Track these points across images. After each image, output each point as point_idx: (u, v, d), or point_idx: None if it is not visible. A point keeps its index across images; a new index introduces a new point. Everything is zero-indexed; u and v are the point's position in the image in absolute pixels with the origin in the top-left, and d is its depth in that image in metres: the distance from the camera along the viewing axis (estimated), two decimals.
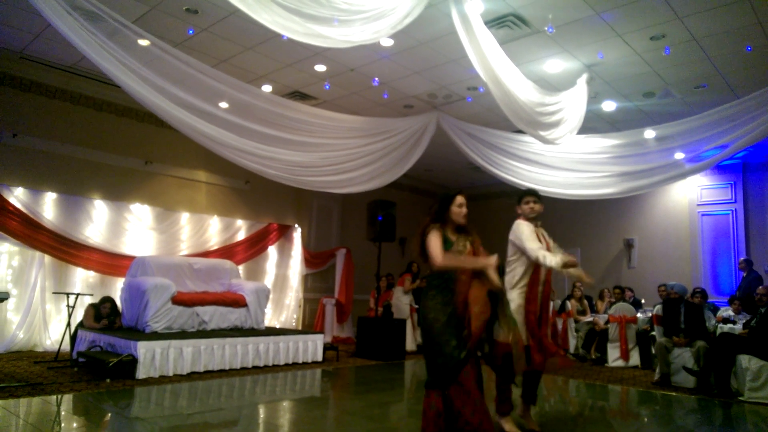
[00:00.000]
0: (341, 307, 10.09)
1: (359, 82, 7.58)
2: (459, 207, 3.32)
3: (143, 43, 4.94)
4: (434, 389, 3.07)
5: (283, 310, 10.03)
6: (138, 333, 6.37)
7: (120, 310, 7.06)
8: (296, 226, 10.44)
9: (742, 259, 9.01)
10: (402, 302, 9.12)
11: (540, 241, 3.94)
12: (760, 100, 5.91)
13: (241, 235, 9.57)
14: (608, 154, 7.22)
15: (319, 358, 7.36)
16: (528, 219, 4.06)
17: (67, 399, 4.68)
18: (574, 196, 7.51)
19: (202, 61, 5.61)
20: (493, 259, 3.12)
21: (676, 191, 10.57)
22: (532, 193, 4.19)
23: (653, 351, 7.32)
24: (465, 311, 3.11)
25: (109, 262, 7.87)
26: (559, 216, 11.79)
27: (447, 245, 3.21)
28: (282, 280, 10.15)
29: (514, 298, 3.89)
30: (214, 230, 9.20)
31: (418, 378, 7.08)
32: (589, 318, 8.69)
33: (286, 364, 6.94)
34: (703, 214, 10.26)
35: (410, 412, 4.98)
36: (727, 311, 7.99)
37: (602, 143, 7.26)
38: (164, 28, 6.18)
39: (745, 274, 8.75)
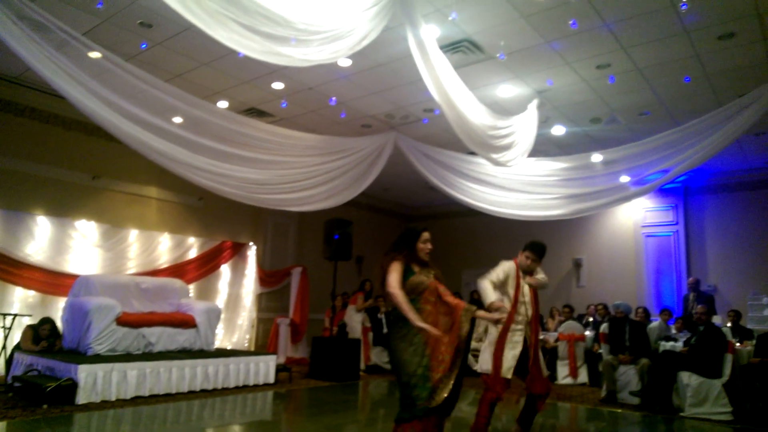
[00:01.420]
0: (296, 327, 9.93)
1: (317, 100, 7.59)
2: (424, 243, 3.38)
3: (94, 55, 4.81)
4: (406, 424, 3.06)
5: (235, 330, 9.78)
6: (79, 356, 6.08)
7: (60, 332, 6.73)
8: (251, 244, 10.26)
9: (692, 279, 9.33)
10: (354, 321, 9.08)
11: (518, 290, 4.22)
12: (699, 128, 6.24)
13: (192, 253, 9.32)
14: (557, 177, 7.44)
15: (272, 380, 7.20)
16: (522, 269, 4.32)
17: (0, 427, 4.40)
18: (526, 217, 7.69)
19: (156, 75, 5.48)
20: (430, 328, 3.10)
21: (621, 213, 10.99)
22: (534, 250, 4.35)
23: (600, 368, 7.52)
24: (432, 341, 3.14)
25: (51, 281, 7.49)
26: (513, 236, 12.00)
27: (409, 274, 3.26)
28: (235, 299, 9.92)
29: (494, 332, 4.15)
30: (165, 248, 8.92)
31: (372, 399, 7.02)
32: (540, 336, 8.85)
33: (237, 387, 6.75)
34: (647, 235, 10.70)
35: None
36: (669, 330, 8.30)
37: (552, 166, 7.49)
38: (116, 41, 6.04)
39: (695, 294, 9.05)
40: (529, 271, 4.37)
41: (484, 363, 4.20)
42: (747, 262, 9.74)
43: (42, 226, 7.54)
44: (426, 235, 3.41)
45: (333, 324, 8.63)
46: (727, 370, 5.99)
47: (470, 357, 8.31)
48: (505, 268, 4.28)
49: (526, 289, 4.30)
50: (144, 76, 5.12)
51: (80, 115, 6.60)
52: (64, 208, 7.83)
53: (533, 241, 4.45)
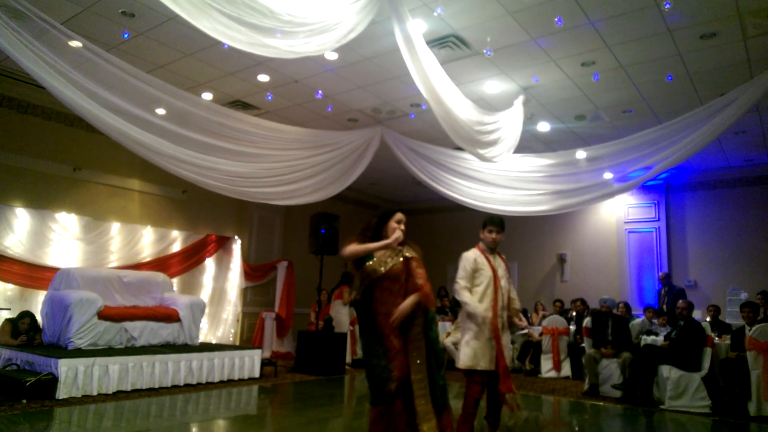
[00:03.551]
0: (281, 321, 9.90)
1: (303, 93, 7.54)
2: (398, 223, 3.37)
3: (74, 44, 4.72)
4: (376, 407, 3.10)
5: (220, 324, 9.72)
6: (60, 350, 6.00)
7: (41, 326, 6.63)
8: (236, 237, 10.18)
9: (662, 274, 9.52)
10: (341, 314, 9.05)
11: (493, 270, 3.91)
12: (681, 126, 6.33)
13: (176, 247, 9.22)
14: (543, 173, 7.49)
15: (257, 374, 7.17)
16: (487, 246, 4.01)
17: None
18: (512, 212, 7.73)
19: (138, 66, 5.41)
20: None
21: (605, 209, 11.11)
22: (494, 222, 4.05)
23: (583, 362, 7.62)
24: (385, 329, 3.13)
25: (31, 274, 7.36)
26: None
27: (367, 259, 3.26)
28: (220, 293, 9.85)
29: (471, 326, 3.86)
30: (147, 241, 8.81)
31: (357, 392, 7.03)
32: (524, 330, 8.94)
33: (221, 382, 6.71)
34: (629, 231, 10.85)
35: (348, 428, 4.94)
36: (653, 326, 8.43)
37: (537, 162, 7.54)
38: (98, 30, 5.93)
39: (667, 288, 9.24)
40: (494, 247, 4.04)
41: (466, 359, 3.89)
42: (726, 258, 9.92)
43: (21, 218, 7.40)
44: (399, 215, 3.36)
45: (319, 318, 8.61)
46: (706, 363, 6.10)
47: (452, 347, 8.39)
48: (463, 260, 3.95)
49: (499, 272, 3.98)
50: (126, 66, 5.04)
51: (60, 106, 6.51)
52: (44, 200, 7.70)
53: (489, 216, 4.21)
